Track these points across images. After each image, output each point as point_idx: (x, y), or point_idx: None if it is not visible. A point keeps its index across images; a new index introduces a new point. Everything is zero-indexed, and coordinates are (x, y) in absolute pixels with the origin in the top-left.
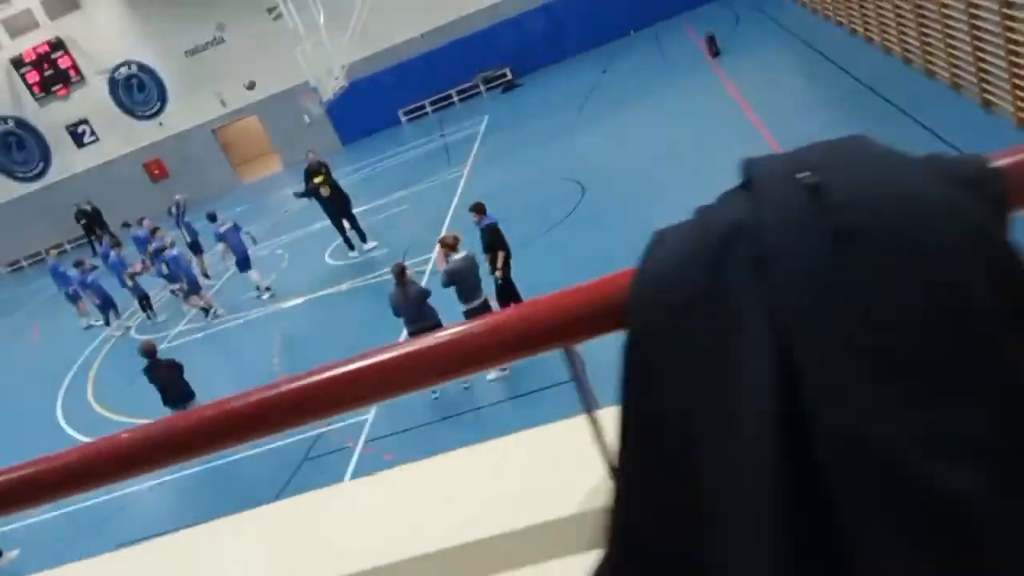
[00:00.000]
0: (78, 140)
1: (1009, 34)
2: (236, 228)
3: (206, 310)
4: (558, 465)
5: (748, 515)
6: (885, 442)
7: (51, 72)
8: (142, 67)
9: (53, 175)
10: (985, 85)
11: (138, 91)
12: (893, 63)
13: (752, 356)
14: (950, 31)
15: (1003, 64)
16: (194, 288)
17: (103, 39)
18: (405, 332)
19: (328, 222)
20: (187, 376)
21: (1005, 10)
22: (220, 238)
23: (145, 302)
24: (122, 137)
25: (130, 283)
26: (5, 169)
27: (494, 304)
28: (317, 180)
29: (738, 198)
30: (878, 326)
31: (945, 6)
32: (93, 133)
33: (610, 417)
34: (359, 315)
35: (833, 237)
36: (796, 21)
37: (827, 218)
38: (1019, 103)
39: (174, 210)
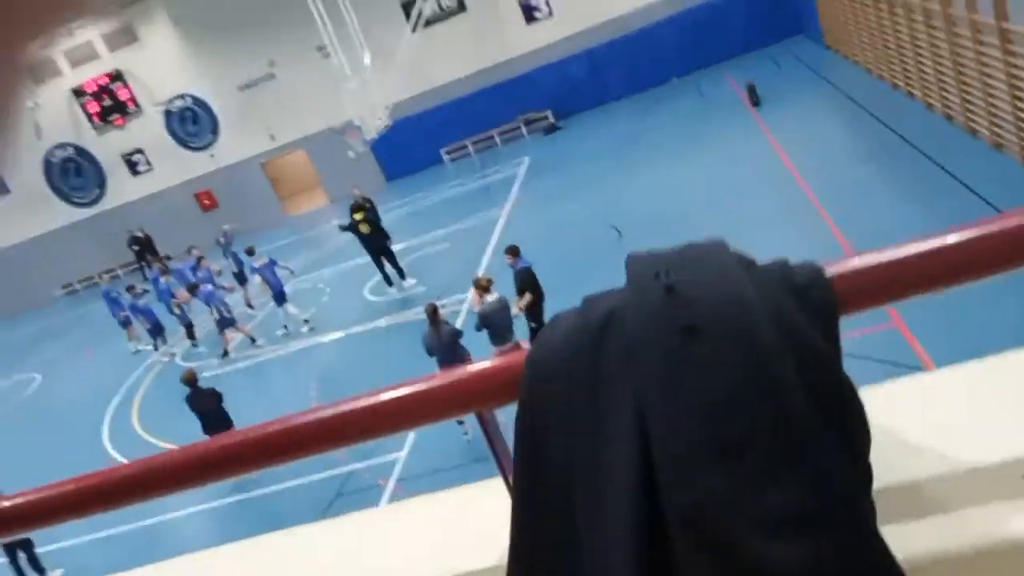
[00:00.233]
0: (133, 169)
1: None
2: (272, 263)
3: (252, 339)
4: None
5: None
6: (721, 519)
7: (110, 102)
8: (196, 100)
9: (108, 202)
10: None
11: (192, 123)
12: (935, 119)
13: (619, 432)
14: (990, 89)
15: None
16: (228, 322)
17: (160, 72)
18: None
19: (369, 258)
20: (226, 405)
21: None
22: (256, 272)
23: (190, 330)
24: (175, 167)
25: (177, 311)
26: (62, 194)
27: (527, 347)
28: (357, 217)
29: (617, 291)
30: (714, 412)
31: (984, 65)
32: (148, 162)
33: None
34: (395, 352)
35: (681, 331)
36: (838, 73)
37: (677, 314)
38: None
39: (222, 240)
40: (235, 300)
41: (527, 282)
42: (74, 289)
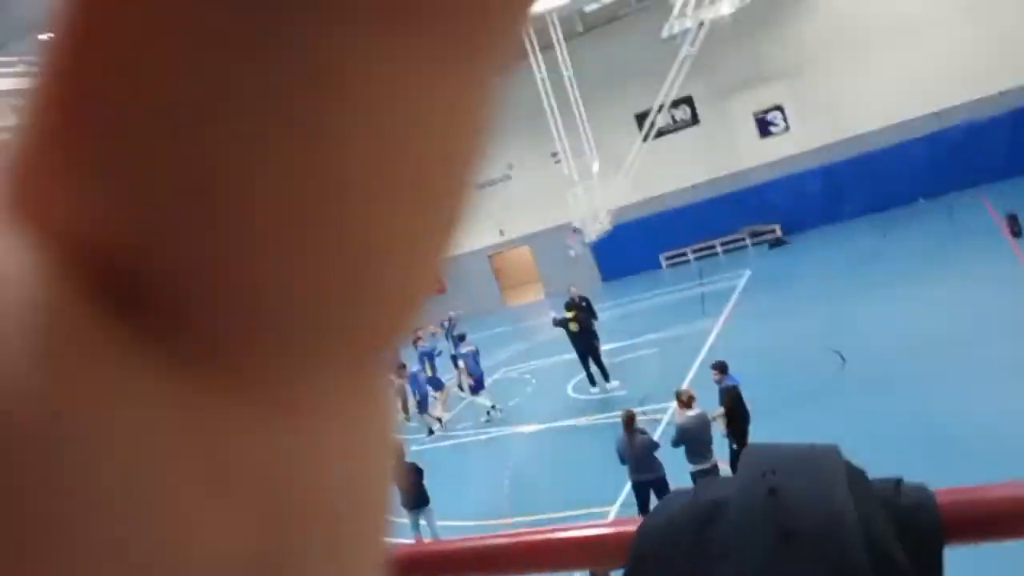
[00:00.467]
0: None
1: None
2: (476, 352)
3: (437, 421)
4: None
5: None
6: None
7: None
8: None
9: None
10: None
11: None
12: None
13: None
14: None
15: None
16: (423, 407)
17: None
18: (629, 480)
19: (575, 355)
20: (426, 482)
21: None
22: (460, 358)
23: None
24: None
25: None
26: None
27: (725, 468)
28: (568, 315)
29: (729, 480)
30: None
31: None
32: None
33: None
34: (588, 453)
35: (776, 535)
36: None
37: (775, 517)
38: None
39: (446, 324)
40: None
41: (731, 401)
42: None
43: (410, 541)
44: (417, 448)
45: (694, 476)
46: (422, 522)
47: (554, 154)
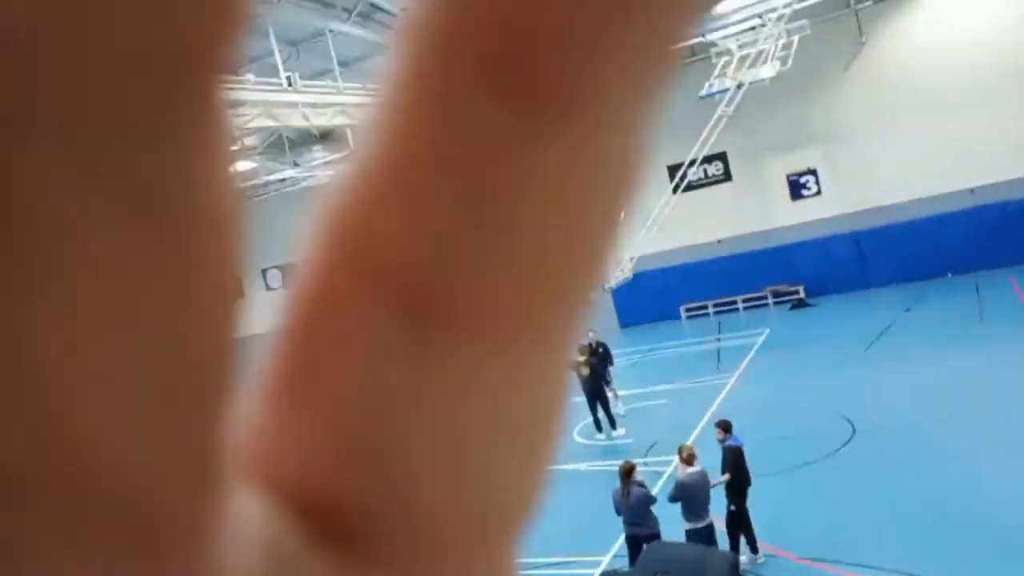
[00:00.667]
0: None
1: None
2: None
3: None
4: None
5: None
6: None
7: None
8: None
9: None
10: None
11: None
12: None
13: None
14: None
15: None
16: None
17: None
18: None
19: (584, 398)
20: None
21: None
22: None
23: None
24: None
25: None
26: None
27: (721, 527)
28: (580, 358)
29: (630, 573)
30: None
31: None
32: None
33: None
34: (587, 499)
35: None
36: None
37: None
38: None
39: None
40: None
41: (733, 461)
42: None
43: None
44: None
45: (688, 534)
46: None
47: None
